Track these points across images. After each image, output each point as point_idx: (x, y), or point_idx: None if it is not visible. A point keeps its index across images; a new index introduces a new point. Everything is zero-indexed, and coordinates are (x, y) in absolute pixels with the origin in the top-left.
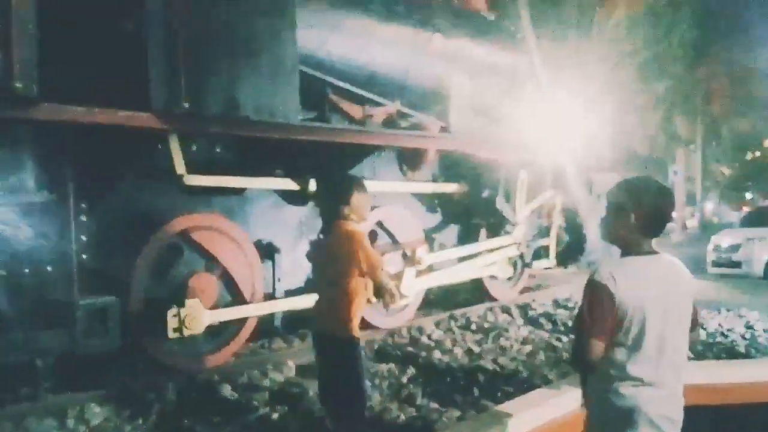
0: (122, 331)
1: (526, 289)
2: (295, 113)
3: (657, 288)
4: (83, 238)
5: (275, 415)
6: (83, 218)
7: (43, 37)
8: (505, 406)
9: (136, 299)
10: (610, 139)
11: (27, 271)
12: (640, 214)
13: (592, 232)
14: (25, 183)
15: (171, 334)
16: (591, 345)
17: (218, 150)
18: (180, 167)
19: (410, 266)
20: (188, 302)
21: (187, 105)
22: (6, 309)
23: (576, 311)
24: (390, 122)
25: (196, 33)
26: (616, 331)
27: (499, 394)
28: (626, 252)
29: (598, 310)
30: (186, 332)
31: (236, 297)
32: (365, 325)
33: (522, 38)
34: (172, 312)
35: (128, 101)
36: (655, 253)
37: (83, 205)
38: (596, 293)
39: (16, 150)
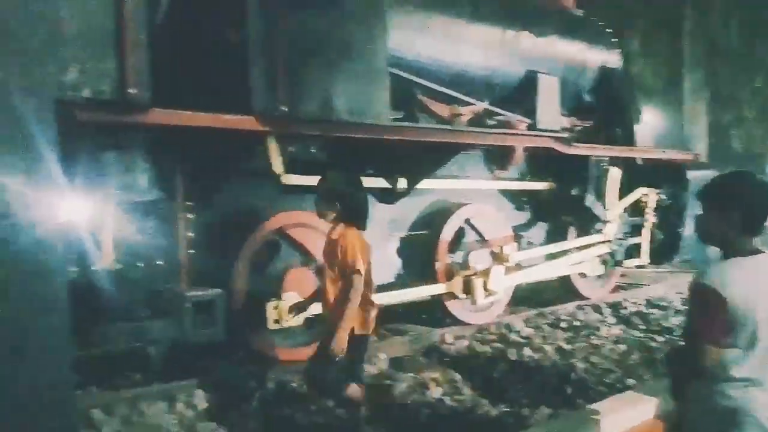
0: (226, 323)
1: (617, 288)
2: (386, 114)
3: (765, 288)
4: (190, 234)
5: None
6: (190, 216)
7: (155, 46)
8: (598, 406)
9: (239, 292)
10: (706, 133)
11: (140, 265)
12: (741, 212)
13: (687, 230)
14: (138, 183)
15: (271, 326)
16: (704, 350)
17: (313, 151)
18: (278, 167)
19: (498, 263)
20: (286, 295)
21: (285, 109)
22: (122, 300)
23: (670, 311)
24: (478, 121)
25: (293, 40)
26: (727, 333)
27: (591, 393)
28: (728, 253)
29: (709, 314)
30: (285, 324)
31: None
32: (454, 320)
33: (611, 34)
34: (272, 304)
35: (231, 106)
36: (759, 252)
37: (190, 204)
38: (705, 297)
39: (130, 152)
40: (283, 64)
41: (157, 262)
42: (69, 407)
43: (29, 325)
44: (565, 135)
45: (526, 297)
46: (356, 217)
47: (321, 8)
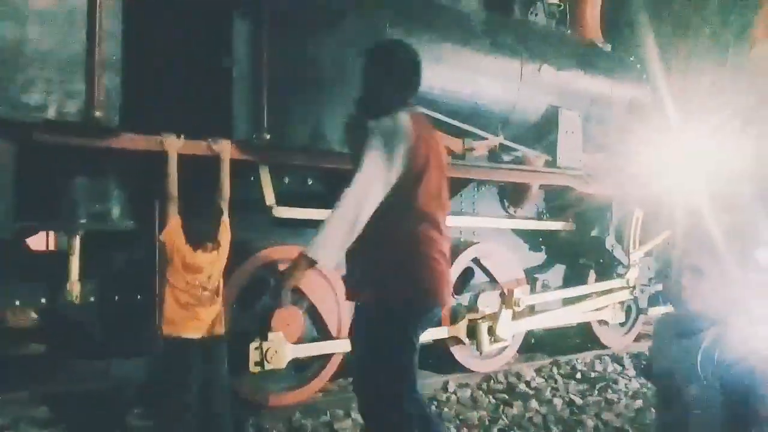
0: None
1: (641, 337)
2: None
3: None
4: None
5: None
6: None
7: (130, 69)
8: None
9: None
10: (749, 173)
11: (117, 299)
12: None
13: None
14: (110, 211)
15: (252, 368)
16: None
17: (310, 182)
18: (270, 199)
19: (507, 307)
20: (271, 335)
21: (268, 136)
22: (105, 336)
23: None
24: (492, 156)
25: (282, 66)
26: None
27: None
28: None
29: None
30: (268, 366)
31: (322, 332)
32: (459, 367)
33: (641, 69)
34: (254, 345)
35: (212, 132)
36: None
37: None
38: None
39: (101, 178)
40: (269, 89)
41: (136, 296)
42: None
43: None
44: (584, 173)
45: (541, 343)
46: None
47: (314, 33)
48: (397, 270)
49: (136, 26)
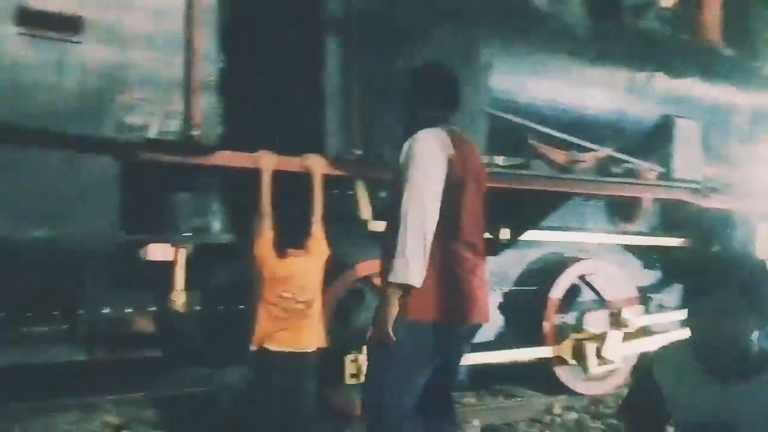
0: None
1: None
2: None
3: None
4: None
5: None
6: None
7: (226, 89)
8: None
9: None
10: None
11: (221, 308)
12: None
13: None
14: (210, 225)
15: (348, 380)
16: None
17: None
18: (366, 213)
19: (616, 328)
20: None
21: (360, 152)
22: (195, 344)
23: None
24: (601, 169)
25: (374, 82)
26: None
27: None
28: None
29: None
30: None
31: None
32: (565, 389)
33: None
34: (350, 357)
35: (305, 149)
36: None
37: None
38: None
39: (202, 194)
40: (359, 105)
41: (238, 307)
42: None
43: None
44: (703, 186)
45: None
46: None
47: (405, 48)
48: (425, 285)
49: (231, 47)
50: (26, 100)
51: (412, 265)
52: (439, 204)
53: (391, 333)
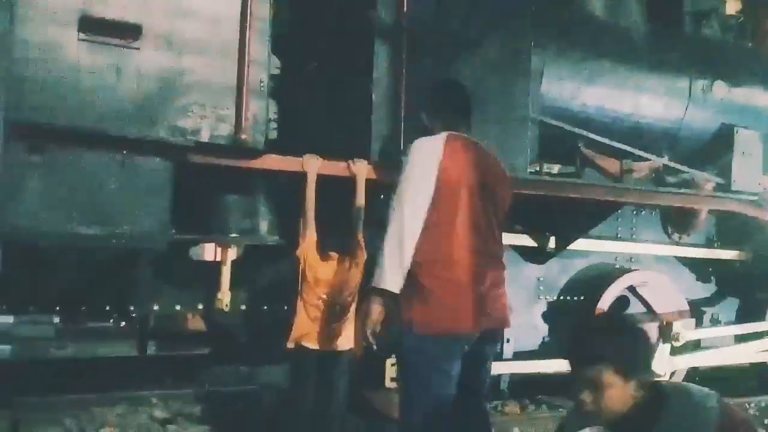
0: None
1: None
2: (524, 166)
3: None
4: None
5: None
6: None
7: (277, 94)
8: None
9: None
10: None
11: (265, 308)
12: None
13: None
14: (258, 227)
15: (388, 383)
16: None
17: None
18: None
19: (664, 341)
20: None
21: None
22: (241, 342)
23: None
24: (656, 178)
25: (421, 89)
26: None
27: None
28: None
29: None
30: None
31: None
32: None
33: None
34: (390, 361)
35: (352, 154)
36: None
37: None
38: None
39: (250, 196)
40: (406, 111)
41: (283, 307)
42: None
43: None
44: (761, 197)
45: (708, 383)
46: None
47: (453, 56)
48: (421, 293)
49: (282, 53)
50: (86, 104)
51: (387, 271)
52: (423, 212)
53: (371, 338)
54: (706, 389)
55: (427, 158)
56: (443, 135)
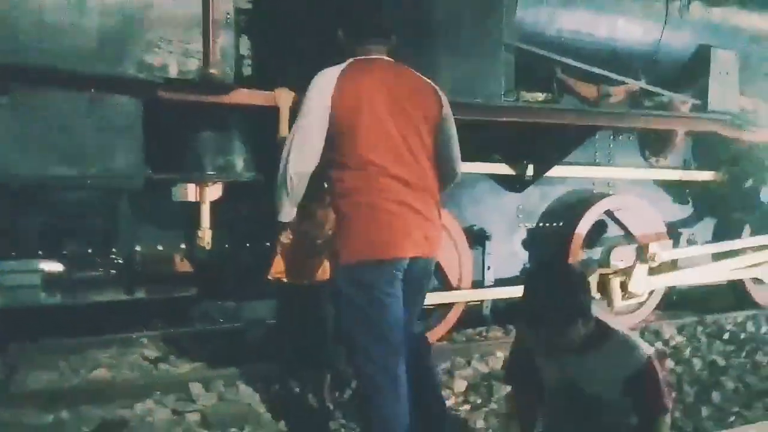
0: None
1: None
2: (498, 93)
3: None
4: None
5: (465, 408)
6: None
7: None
8: None
9: None
10: None
11: (247, 245)
12: None
13: None
14: (233, 164)
15: None
16: None
17: None
18: None
19: (642, 262)
20: None
21: None
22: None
23: None
24: (632, 102)
25: (391, 7)
26: None
27: (732, 419)
28: None
29: None
30: None
31: (443, 282)
32: None
33: None
34: None
35: None
36: None
37: None
38: None
39: (223, 133)
40: None
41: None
42: None
43: None
44: (740, 118)
45: (686, 302)
46: None
47: None
48: (342, 224)
49: None
50: (51, 43)
51: (279, 206)
52: (314, 149)
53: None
54: (646, 344)
55: (318, 93)
56: (341, 66)
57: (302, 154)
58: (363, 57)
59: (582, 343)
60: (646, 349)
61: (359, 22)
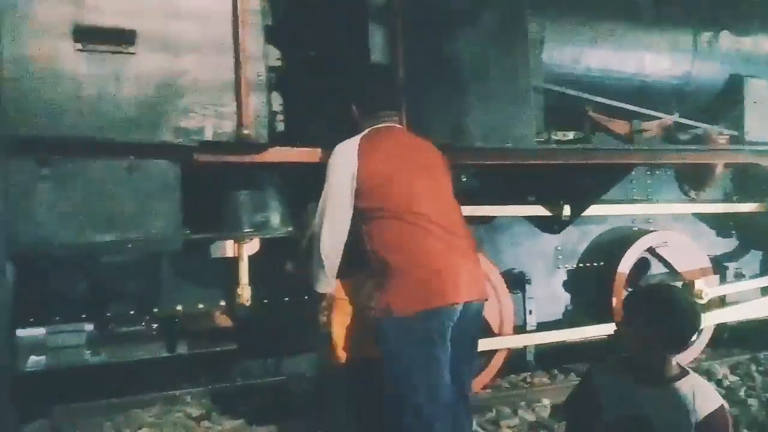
0: None
1: None
2: (530, 136)
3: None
4: None
5: None
6: None
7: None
8: None
9: None
10: None
11: (286, 299)
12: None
13: None
14: (269, 220)
15: None
16: None
17: (464, 179)
18: None
19: None
20: None
21: None
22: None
23: None
24: (667, 136)
25: (419, 65)
26: None
27: None
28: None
29: None
30: None
31: (484, 329)
32: None
33: None
34: None
35: None
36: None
37: None
38: None
39: (259, 191)
40: (406, 88)
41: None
42: None
43: None
44: None
45: (737, 339)
46: None
47: (449, 28)
48: (389, 275)
49: (281, 44)
50: (88, 113)
51: (315, 278)
52: (344, 219)
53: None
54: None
55: (342, 166)
56: (360, 135)
57: (334, 224)
58: (372, 128)
59: (667, 377)
60: (718, 397)
61: (373, 97)
